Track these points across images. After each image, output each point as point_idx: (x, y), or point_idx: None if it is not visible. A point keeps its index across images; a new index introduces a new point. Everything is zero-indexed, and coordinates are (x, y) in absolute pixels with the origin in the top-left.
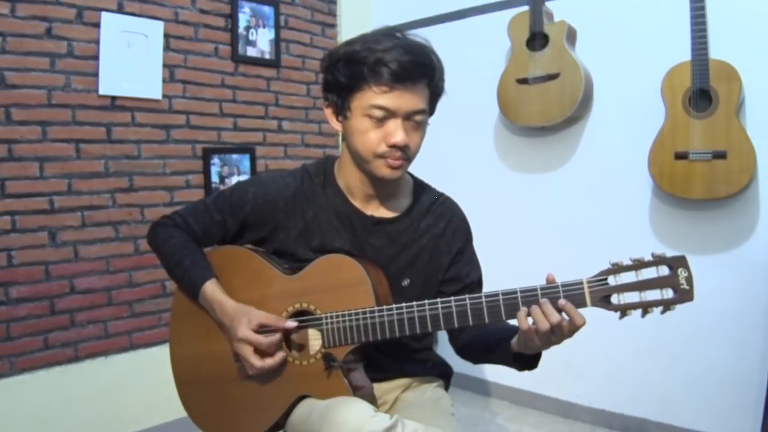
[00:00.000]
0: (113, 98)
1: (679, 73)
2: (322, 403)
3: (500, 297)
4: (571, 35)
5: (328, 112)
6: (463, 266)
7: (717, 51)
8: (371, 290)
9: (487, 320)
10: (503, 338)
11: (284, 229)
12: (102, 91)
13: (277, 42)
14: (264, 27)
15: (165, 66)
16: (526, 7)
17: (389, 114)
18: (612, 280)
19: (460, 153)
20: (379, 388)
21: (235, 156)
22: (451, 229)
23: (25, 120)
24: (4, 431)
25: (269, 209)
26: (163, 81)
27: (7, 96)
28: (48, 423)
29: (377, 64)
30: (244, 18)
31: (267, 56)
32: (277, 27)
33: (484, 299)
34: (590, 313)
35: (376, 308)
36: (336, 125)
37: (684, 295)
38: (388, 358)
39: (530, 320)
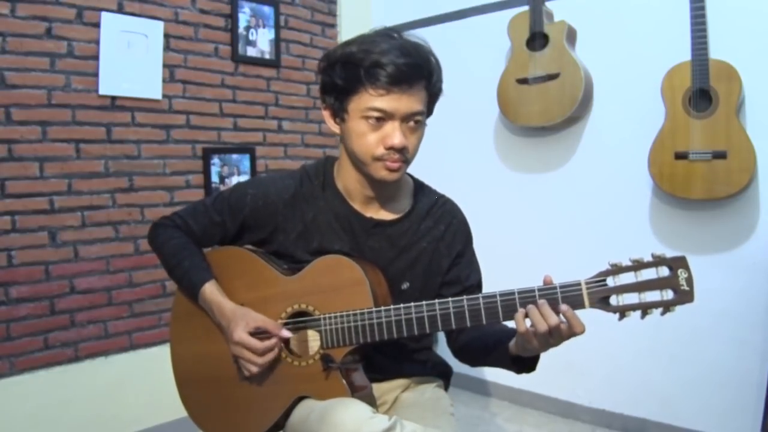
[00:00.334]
0: (113, 98)
1: (679, 73)
2: (320, 404)
3: (498, 298)
4: (571, 35)
5: (326, 114)
6: (463, 269)
7: (717, 51)
8: (369, 291)
9: (484, 321)
10: (501, 340)
11: (283, 231)
12: (102, 91)
13: (277, 42)
14: (264, 27)
15: (165, 66)
16: (526, 7)
17: (387, 116)
18: (611, 281)
19: (460, 153)
20: (378, 388)
21: (235, 156)
22: (451, 232)
23: (25, 120)
24: (4, 431)
25: (268, 211)
26: (163, 81)
27: (7, 96)
28: (48, 423)
29: (374, 66)
30: (244, 18)
31: (267, 56)
32: (277, 27)
33: (481, 300)
34: (590, 314)
35: (374, 309)
36: (334, 127)
37: (684, 296)
38: (387, 359)
39: (528, 322)
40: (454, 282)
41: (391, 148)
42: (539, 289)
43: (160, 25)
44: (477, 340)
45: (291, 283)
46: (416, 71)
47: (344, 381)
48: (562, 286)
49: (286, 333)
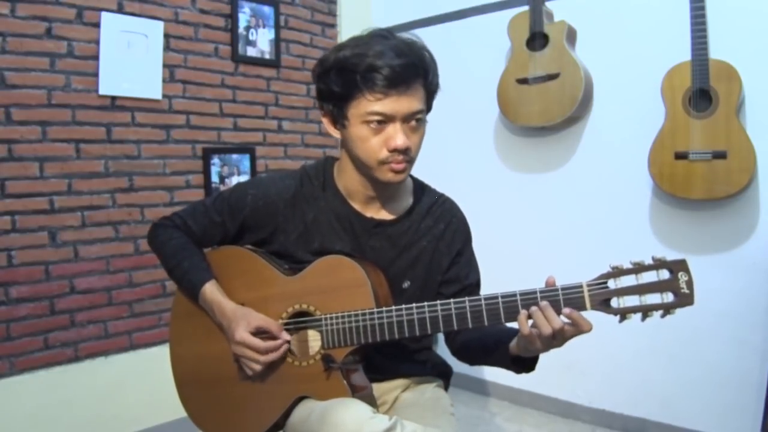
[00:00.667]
0: (113, 98)
1: (679, 73)
2: (321, 404)
3: (500, 300)
4: (571, 35)
5: (326, 121)
6: (462, 268)
7: (717, 51)
8: (371, 292)
9: (486, 323)
10: (501, 340)
11: (284, 231)
12: (102, 91)
13: (277, 42)
14: (264, 27)
15: (165, 66)
16: (526, 7)
17: (387, 119)
18: (612, 284)
19: (460, 153)
20: (378, 388)
21: (235, 156)
22: (451, 231)
23: (25, 120)
24: (4, 431)
25: (268, 211)
26: (163, 81)
27: (7, 96)
28: (48, 423)
29: (369, 70)
30: (244, 18)
31: (267, 56)
32: (277, 27)
33: (483, 302)
34: (590, 315)
35: (375, 310)
36: (334, 133)
37: (684, 298)
38: (387, 359)
39: (530, 322)
40: (453, 281)
41: (394, 150)
42: (541, 291)
43: (160, 25)
44: (476, 340)
45: (292, 283)
46: (412, 71)
47: (345, 381)
48: (563, 288)
49: (285, 336)
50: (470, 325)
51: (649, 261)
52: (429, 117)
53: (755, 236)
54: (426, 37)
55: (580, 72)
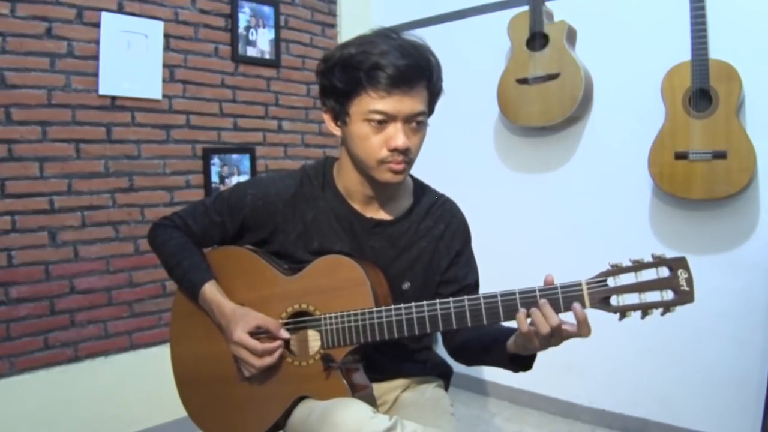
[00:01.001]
0: (113, 98)
1: (679, 73)
2: (321, 404)
3: (499, 298)
4: (571, 35)
5: (327, 118)
6: (461, 268)
7: (717, 51)
8: (370, 291)
9: (485, 321)
10: (498, 339)
11: (283, 231)
12: (102, 91)
13: (277, 42)
14: (264, 27)
15: (165, 66)
16: (526, 7)
17: (389, 118)
18: (611, 282)
19: (460, 153)
20: (378, 388)
21: (235, 156)
22: (451, 231)
23: (25, 120)
24: (4, 431)
25: (268, 211)
26: (163, 81)
27: (7, 96)
28: (48, 423)
29: (374, 68)
30: (244, 18)
31: (267, 56)
32: (277, 27)
33: (482, 300)
34: (590, 314)
35: (374, 309)
36: (335, 130)
37: (684, 296)
38: (387, 359)
39: (529, 320)
40: (451, 281)
41: (394, 150)
42: (540, 290)
43: (160, 25)
44: (474, 340)
45: (291, 283)
46: (416, 72)
47: (345, 381)
48: (562, 287)
49: (284, 334)
50: (469, 324)
51: (648, 259)
52: (428, 118)
53: (755, 236)
54: (426, 37)
55: (580, 72)
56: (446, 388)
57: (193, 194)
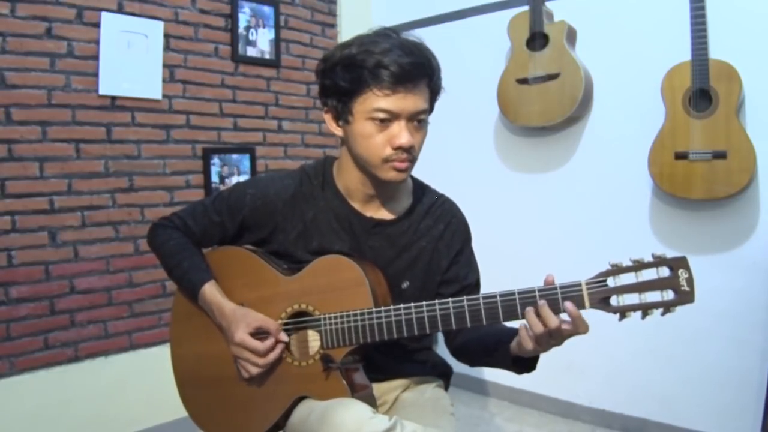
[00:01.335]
0: (113, 98)
1: (679, 73)
2: (321, 405)
3: (498, 299)
4: (571, 35)
5: (328, 117)
6: (462, 268)
7: (717, 51)
8: (369, 291)
9: (485, 322)
10: (501, 341)
11: (283, 230)
12: (102, 91)
13: (277, 42)
14: (264, 27)
15: (165, 66)
16: (526, 7)
17: (393, 117)
18: (611, 282)
19: (460, 153)
20: (378, 388)
21: (235, 156)
22: (451, 231)
23: (25, 120)
24: (4, 431)
25: (268, 211)
26: (163, 81)
27: (7, 96)
28: (48, 423)
29: (377, 67)
30: (244, 18)
31: (267, 56)
32: (277, 27)
33: (482, 301)
34: (590, 314)
35: (374, 309)
36: (336, 130)
37: (684, 296)
38: (387, 359)
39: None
40: (452, 281)
41: (398, 148)
42: (540, 290)
43: (160, 25)
44: (476, 341)
45: (291, 283)
46: (420, 70)
47: (344, 381)
48: (562, 287)
49: (283, 337)
50: (468, 325)
51: (648, 259)
52: (429, 116)
53: (755, 236)
54: (426, 37)
55: (580, 72)
56: (446, 388)
57: (193, 194)
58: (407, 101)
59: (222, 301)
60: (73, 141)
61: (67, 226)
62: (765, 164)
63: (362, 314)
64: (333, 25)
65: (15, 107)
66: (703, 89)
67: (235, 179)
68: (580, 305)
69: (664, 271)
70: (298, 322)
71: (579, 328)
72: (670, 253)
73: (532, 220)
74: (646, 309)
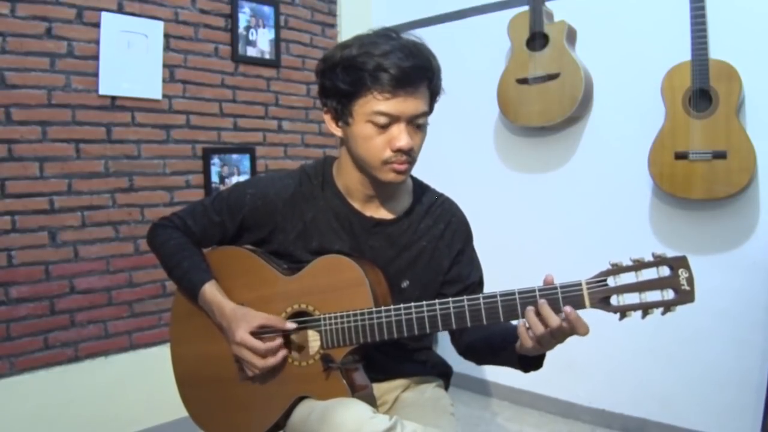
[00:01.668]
0: (113, 98)
1: (679, 73)
2: (321, 404)
3: (498, 298)
4: (571, 35)
5: (327, 118)
6: (464, 267)
7: (717, 51)
8: (369, 291)
9: (485, 322)
10: (507, 340)
11: (283, 230)
12: (102, 91)
13: (277, 42)
14: (264, 27)
15: (165, 66)
16: (526, 7)
17: (393, 119)
18: (611, 281)
19: (460, 153)
20: (378, 388)
21: (235, 156)
22: (451, 230)
23: (25, 120)
24: (4, 431)
25: (267, 211)
26: (163, 81)
27: (7, 96)
28: (48, 423)
29: (378, 69)
30: (244, 18)
31: (267, 56)
32: (277, 27)
33: (482, 300)
34: (590, 314)
35: (374, 309)
36: (336, 130)
37: (685, 296)
38: (387, 359)
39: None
40: (455, 280)
41: (398, 150)
42: (540, 289)
43: (160, 25)
44: (483, 340)
45: (291, 283)
46: (420, 73)
47: (344, 381)
48: (562, 287)
49: (290, 325)
50: (469, 324)
51: (649, 258)
52: (429, 117)
53: (755, 236)
54: (426, 37)
55: (580, 72)
56: (446, 388)
57: (193, 194)
58: (407, 104)
59: (222, 301)
60: (73, 141)
61: (67, 226)
62: (765, 164)
63: (362, 314)
64: (333, 25)
65: (15, 107)
66: (703, 89)
67: (235, 179)
68: (581, 305)
69: (665, 271)
70: (298, 322)
71: (579, 330)
72: (671, 253)
73: (532, 220)
74: (646, 308)
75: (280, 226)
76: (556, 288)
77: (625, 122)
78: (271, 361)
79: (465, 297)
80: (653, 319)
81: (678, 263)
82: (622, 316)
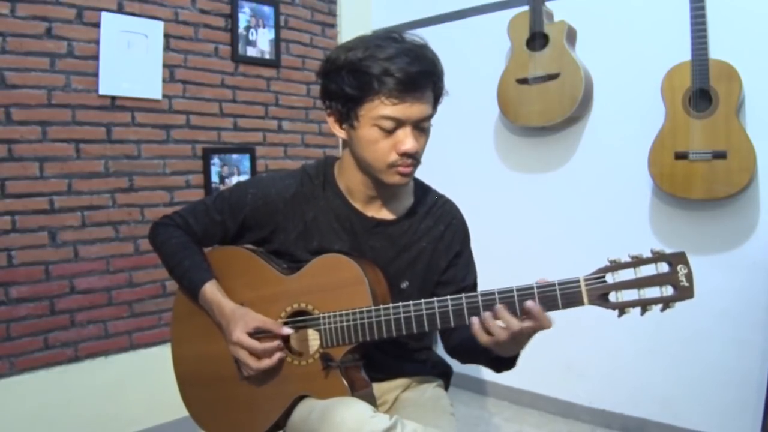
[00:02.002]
0: (113, 98)
1: (679, 73)
2: (321, 404)
3: (496, 296)
4: (571, 35)
5: (330, 120)
6: (460, 270)
7: (717, 51)
8: (368, 290)
9: None
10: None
11: (284, 230)
12: (102, 91)
13: (277, 42)
14: (264, 27)
15: (165, 66)
16: (526, 7)
17: (399, 124)
18: (610, 278)
19: (460, 153)
20: (378, 387)
21: (235, 156)
22: (451, 232)
23: (25, 120)
24: (4, 431)
25: (268, 210)
26: (163, 81)
27: (7, 96)
28: (48, 423)
29: (384, 74)
30: (244, 18)
31: (267, 56)
32: (277, 27)
33: (479, 298)
34: (590, 313)
35: (373, 308)
36: (339, 132)
37: (684, 292)
38: (387, 358)
39: (500, 323)
40: (449, 282)
41: (404, 154)
42: (538, 286)
43: (160, 25)
44: (467, 340)
45: (290, 283)
46: (426, 77)
47: (344, 380)
48: (560, 283)
49: (286, 330)
50: (467, 322)
51: (647, 254)
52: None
53: (755, 236)
54: (426, 37)
55: (580, 72)
56: (446, 388)
57: (193, 194)
58: (414, 109)
59: (222, 301)
60: (73, 141)
61: (67, 226)
62: (765, 164)
63: (361, 313)
64: (333, 25)
65: (15, 107)
66: (703, 89)
67: (235, 179)
68: (579, 302)
69: (663, 267)
70: (298, 321)
71: (544, 325)
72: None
73: (532, 220)
74: (645, 305)
75: (281, 226)
76: (554, 285)
77: (625, 122)
78: (266, 362)
79: (463, 295)
80: (653, 319)
81: (677, 259)
82: (621, 312)
